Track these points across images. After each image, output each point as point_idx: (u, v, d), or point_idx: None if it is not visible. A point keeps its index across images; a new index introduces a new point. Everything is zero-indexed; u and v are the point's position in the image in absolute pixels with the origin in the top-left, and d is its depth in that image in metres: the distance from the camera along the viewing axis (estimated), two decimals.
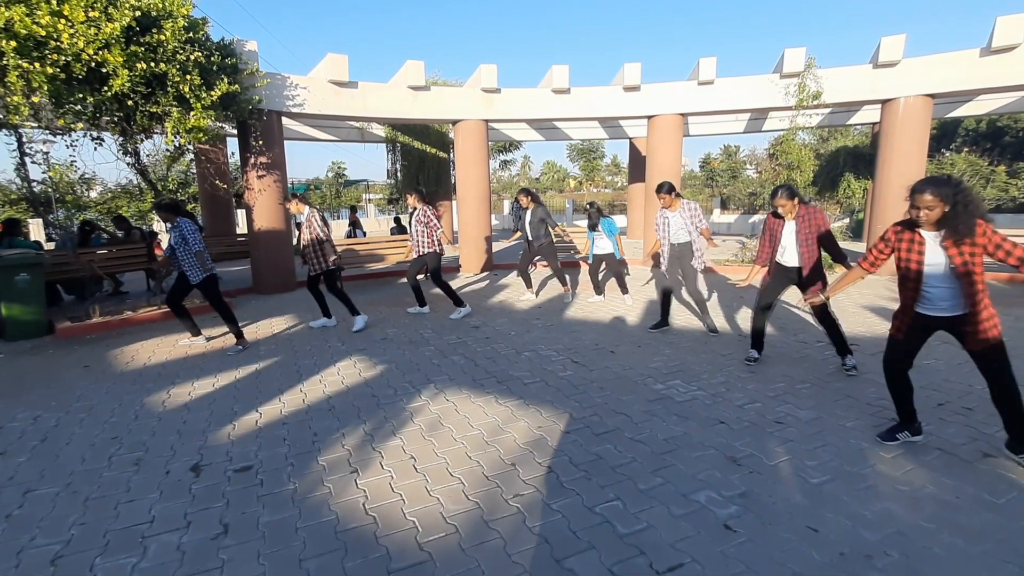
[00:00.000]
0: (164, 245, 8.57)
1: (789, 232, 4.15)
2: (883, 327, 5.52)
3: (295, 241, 5.92)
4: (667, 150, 10.08)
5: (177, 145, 7.44)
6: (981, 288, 2.64)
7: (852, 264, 3.95)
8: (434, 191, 14.86)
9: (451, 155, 14.56)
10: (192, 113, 6.48)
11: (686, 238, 5.30)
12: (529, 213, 7.10)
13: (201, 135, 6.72)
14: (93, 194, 19.69)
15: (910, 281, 2.81)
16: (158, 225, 16.59)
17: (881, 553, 2.16)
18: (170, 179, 18.04)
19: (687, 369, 4.40)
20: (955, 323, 2.75)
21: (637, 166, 15.14)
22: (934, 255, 2.70)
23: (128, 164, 7.51)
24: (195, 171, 13.80)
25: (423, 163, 14.96)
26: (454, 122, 10.15)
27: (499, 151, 28.14)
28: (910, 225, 2.79)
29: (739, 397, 3.79)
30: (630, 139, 15.82)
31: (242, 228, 15.39)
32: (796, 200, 4.10)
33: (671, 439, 3.18)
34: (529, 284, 7.53)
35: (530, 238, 7.14)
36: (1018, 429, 2.74)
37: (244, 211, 9.22)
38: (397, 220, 15.59)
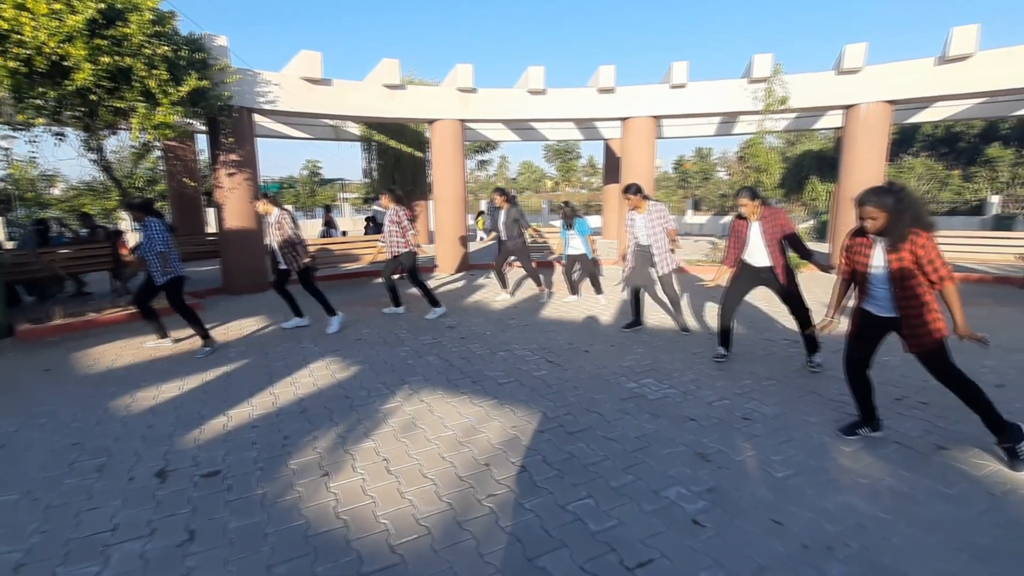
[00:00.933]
0: (130, 244, 8.31)
1: (755, 233, 4.27)
2: (844, 324, 5.71)
3: (267, 241, 5.82)
4: (641, 152, 10.23)
5: (144, 141, 7.24)
6: (921, 293, 2.75)
7: (825, 264, 4.10)
8: (410, 190, 14.75)
9: (427, 154, 14.48)
10: (159, 108, 6.32)
11: (650, 240, 5.39)
12: (503, 213, 7.12)
13: (169, 131, 6.55)
14: (56, 191, 18.96)
15: (859, 282, 2.98)
16: (124, 223, 16.09)
17: (842, 544, 2.23)
18: (136, 176, 17.48)
19: (659, 367, 4.48)
20: (896, 324, 2.87)
21: (612, 167, 15.31)
22: (878, 258, 2.85)
23: (92, 161, 7.25)
24: (163, 168, 13.40)
25: (399, 162, 14.85)
26: (430, 121, 10.11)
27: (476, 151, 28.09)
28: (862, 230, 2.92)
29: (709, 394, 3.87)
30: (605, 140, 15.98)
31: (212, 227, 15.05)
32: (758, 201, 4.22)
33: (643, 437, 3.23)
34: (504, 284, 7.55)
35: (504, 238, 7.16)
36: (990, 423, 2.83)
37: (214, 210, 9.00)
38: (372, 219, 15.44)
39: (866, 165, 8.78)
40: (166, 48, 6.20)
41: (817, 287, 7.90)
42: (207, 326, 5.37)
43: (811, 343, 4.35)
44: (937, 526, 2.35)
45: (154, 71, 6.10)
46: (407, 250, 6.34)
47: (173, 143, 10.07)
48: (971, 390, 2.80)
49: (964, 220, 16.27)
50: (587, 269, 7.10)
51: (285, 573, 2.12)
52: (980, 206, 17.22)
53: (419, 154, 14.87)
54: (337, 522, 2.44)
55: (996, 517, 2.40)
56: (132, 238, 10.31)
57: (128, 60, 5.88)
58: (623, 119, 10.27)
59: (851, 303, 3.18)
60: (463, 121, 10.10)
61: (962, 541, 2.24)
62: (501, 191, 7.28)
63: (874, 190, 2.79)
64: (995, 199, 16.78)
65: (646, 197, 5.44)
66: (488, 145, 25.80)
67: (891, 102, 8.73)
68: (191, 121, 9.39)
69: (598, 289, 7.15)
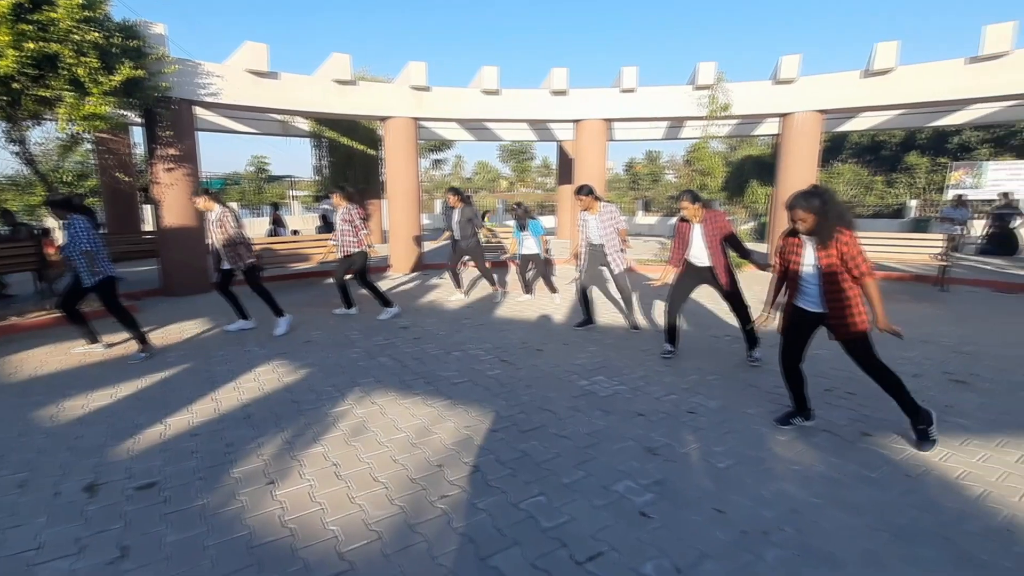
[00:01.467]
0: (58, 243, 7.73)
1: (697, 235, 4.46)
2: (779, 321, 6.03)
3: (208, 240, 5.57)
4: (593, 153, 10.44)
5: (72, 133, 6.76)
6: (846, 288, 2.96)
7: (764, 263, 4.33)
8: (363, 189, 14.44)
9: (380, 152, 14.22)
10: (89, 99, 5.92)
11: (601, 241, 5.51)
12: (457, 212, 7.10)
13: (100, 123, 6.15)
14: None
15: (791, 279, 3.18)
16: (51, 221, 14.94)
17: (777, 529, 2.37)
18: (64, 170, 16.30)
19: (610, 365, 4.59)
20: (824, 318, 3.09)
21: (566, 168, 15.53)
22: (808, 256, 3.06)
23: (13, 153, 6.71)
24: (95, 162, 12.55)
25: (351, 160, 14.50)
26: (383, 119, 9.95)
27: (430, 150, 27.82)
28: (794, 231, 3.13)
29: (657, 390, 4.01)
30: (558, 142, 16.20)
31: (149, 225, 14.22)
32: (699, 204, 4.42)
33: (594, 433, 3.31)
34: (459, 284, 7.53)
35: (457, 237, 7.14)
36: (906, 408, 3.08)
37: (151, 207, 8.51)
38: (324, 218, 15.02)
39: (800, 170, 9.30)
40: (97, 34, 5.83)
41: (756, 285, 8.30)
42: (144, 329, 5.08)
43: (751, 339, 4.58)
44: (861, 508, 2.52)
45: (83, 58, 5.72)
46: (359, 250, 6.22)
47: (105, 135, 9.45)
48: (890, 378, 3.03)
49: (886, 223, 17.48)
50: (540, 269, 7.18)
51: None
52: (900, 210, 18.57)
53: (372, 152, 14.58)
54: (283, 531, 2.37)
55: (913, 498, 2.61)
56: (60, 237, 9.59)
57: (55, 46, 5.49)
58: (576, 121, 10.44)
59: (783, 299, 3.37)
60: (417, 119, 9.99)
61: (883, 522, 2.42)
62: (455, 190, 7.27)
63: (802, 194, 3.00)
64: (913, 203, 18.14)
65: (598, 198, 5.55)
66: (443, 144, 25.61)
67: (822, 111, 9.29)
68: (125, 112, 8.82)
69: (552, 288, 7.25)
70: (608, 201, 5.68)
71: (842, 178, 19.36)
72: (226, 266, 5.60)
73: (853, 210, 18.97)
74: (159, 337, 5.61)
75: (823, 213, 2.92)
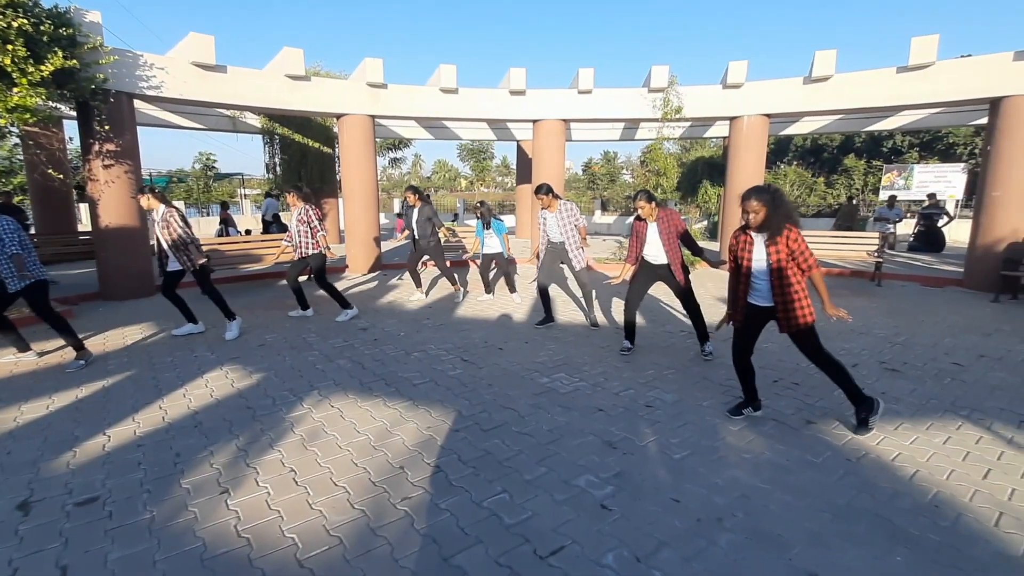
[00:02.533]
0: None
1: (652, 233, 4.59)
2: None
3: (152, 240, 5.29)
4: (551, 153, 10.54)
5: None
6: (794, 282, 3.13)
7: (716, 260, 4.50)
8: (318, 188, 14.06)
9: (336, 150, 13.88)
10: (16, 89, 5.52)
11: (561, 238, 5.59)
12: (416, 211, 7.03)
13: (28, 115, 5.74)
14: None
15: (742, 275, 3.31)
16: None
17: (729, 515, 2.47)
18: None
19: (570, 362, 4.66)
20: (773, 312, 3.24)
21: (524, 168, 15.62)
22: (759, 253, 3.21)
23: None
24: (22, 158, 11.69)
25: (305, 157, 14.10)
26: (338, 116, 9.71)
27: (388, 148, 27.38)
28: (744, 229, 3.26)
29: (616, 385, 4.10)
30: (517, 141, 16.27)
31: (85, 224, 13.36)
32: (654, 204, 4.56)
33: (555, 429, 3.35)
34: (419, 284, 7.46)
35: (416, 237, 7.07)
36: (851, 395, 3.27)
37: (87, 205, 8.00)
38: (276, 218, 14.52)
39: (748, 171, 9.70)
40: (24, 20, 5.43)
41: (709, 281, 8.61)
42: (81, 335, 4.79)
43: (702, 334, 4.75)
44: (806, 492, 2.67)
45: (8, 46, 5.33)
46: (316, 251, 6.06)
47: (34, 129, 8.82)
48: (836, 368, 3.22)
49: (827, 221, 18.45)
50: (503, 268, 7.20)
51: None
52: (839, 209, 19.64)
53: (327, 149, 14.22)
54: (239, 541, 2.29)
55: (853, 480, 2.78)
56: None
57: None
58: (534, 121, 10.51)
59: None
60: (373, 117, 9.81)
61: (826, 503, 2.57)
62: (414, 189, 7.19)
63: (755, 188, 3.18)
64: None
65: (557, 197, 5.62)
66: (401, 143, 25.25)
67: (768, 115, 9.71)
68: (57, 105, 8.29)
69: (512, 288, 7.28)
70: (568, 200, 5.76)
71: (787, 179, 20.31)
72: (171, 268, 5.35)
73: (798, 210, 19.95)
74: (99, 344, 5.30)
75: (774, 207, 3.09)
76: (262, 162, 16.25)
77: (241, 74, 8.46)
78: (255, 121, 13.82)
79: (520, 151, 16.49)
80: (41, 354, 4.87)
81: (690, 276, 4.69)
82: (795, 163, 22.41)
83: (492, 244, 7.13)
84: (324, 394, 3.96)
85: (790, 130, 13.63)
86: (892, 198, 12.90)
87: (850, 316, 3.24)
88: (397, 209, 25.21)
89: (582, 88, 9.96)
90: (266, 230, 13.87)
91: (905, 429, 3.36)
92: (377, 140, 10.50)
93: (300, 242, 6.03)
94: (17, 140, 10.49)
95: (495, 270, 7.50)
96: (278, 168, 14.77)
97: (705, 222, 16.72)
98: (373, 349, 5.07)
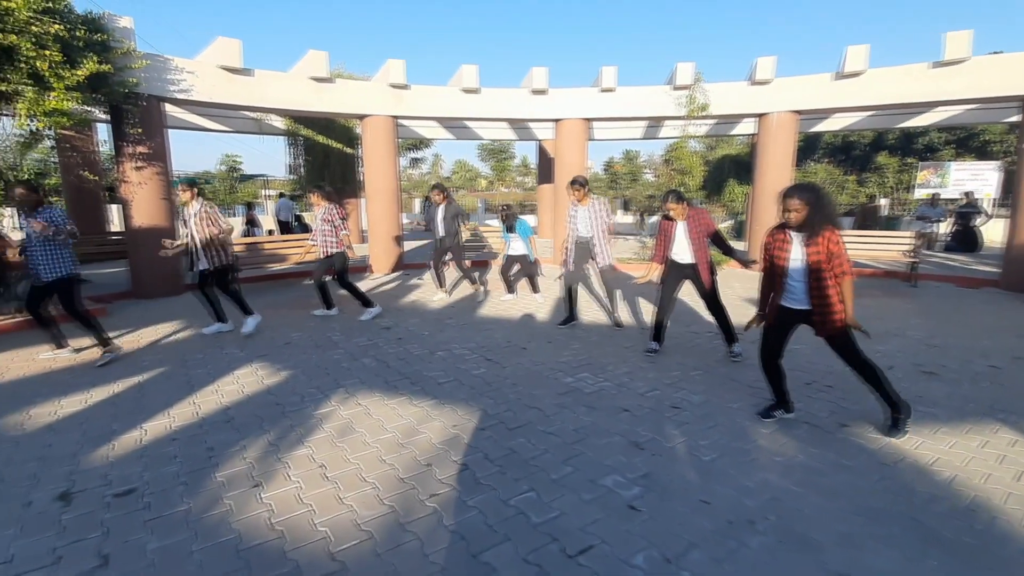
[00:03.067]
0: (15, 243, 7.42)
1: (681, 232, 4.52)
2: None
3: (184, 239, 5.40)
4: (573, 152, 10.48)
5: (33, 130, 6.51)
6: (829, 284, 3.04)
7: (746, 259, 4.41)
8: (340, 188, 14.23)
9: (358, 151, 14.04)
10: (52, 94, 5.70)
11: (590, 234, 5.54)
12: (442, 209, 7.05)
13: (63, 119, 5.93)
14: None
15: (777, 276, 3.21)
16: (6, 220, 14.33)
17: (761, 517, 2.43)
18: (23, 168, 15.67)
19: (594, 362, 4.63)
20: (808, 315, 3.15)
21: (545, 167, 15.58)
22: (796, 252, 3.11)
23: None
24: (56, 160, 12.10)
25: (328, 158, 14.30)
26: (361, 117, 9.82)
27: (409, 149, 27.58)
28: (781, 227, 3.17)
29: (641, 386, 4.06)
30: (538, 141, 16.22)
31: (114, 225, 13.78)
32: (684, 203, 4.49)
33: (580, 429, 3.33)
34: (442, 283, 7.49)
35: (443, 235, 7.09)
36: (886, 398, 3.19)
37: (118, 207, 8.25)
38: (299, 219, 14.76)
39: (777, 169, 9.51)
40: (59, 27, 5.61)
41: (736, 282, 8.48)
42: (115, 333, 4.93)
43: (729, 335, 4.67)
44: (840, 495, 2.60)
45: (44, 51, 5.50)
46: (340, 250, 6.14)
47: (69, 132, 9.12)
48: (871, 370, 3.14)
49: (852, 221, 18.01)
50: (527, 270, 7.20)
51: None
52: (858, 209, 19.12)
53: (349, 150, 14.39)
54: (272, 533, 2.33)
55: (888, 484, 2.70)
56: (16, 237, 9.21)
57: (12, 38, 5.26)
58: (556, 120, 10.48)
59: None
60: (395, 117, 9.89)
61: (860, 506, 2.51)
62: (439, 187, 7.21)
63: (799, 186, 3.08)
64: (884, 202, 18.72)
65: (590, 191, 5.59)
66: (421, 143, 25.41)
67: (797, 112, 9.51)
68: (90, 109, 8.55)
69: (535, 288, 7.26)
70: (597, 196, 5.71)
71: (816, 177, 19.86)
72: (202, 266, 5.46)
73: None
74: (133, 341, 5.45)
75: (816, 207, 2.99)
76: (285, 164, 16.51)
77: (267, 77, 8.62)
78: (279, 123, 14.05)
79: (541, 151, 16.45)
80: (78, 350, 5.02)
81: (716, 277, 4.61)
82: (825, 161, 21.89)
83: (517, 247, 7.12)
84: (350, 391, 4.00)
85: (820, 127, 13.33)
86: (935, 196, 12.51)
87: (869, 332, 3.16)
88: (417, 209, 25.39)
89: (605, 86, 9.89)
90: (282, 231, 14.11)
91: (943, 433, 3.25)
92: (398, 140, 10.58)
93: (324, 241, 6.11)
94: (52, 143, 10.84)
95: (518, 271, 7.50)
96: (301, 169, 15.01)
97: (731, 221, 16.45)
98: (397, 348, 5.11)
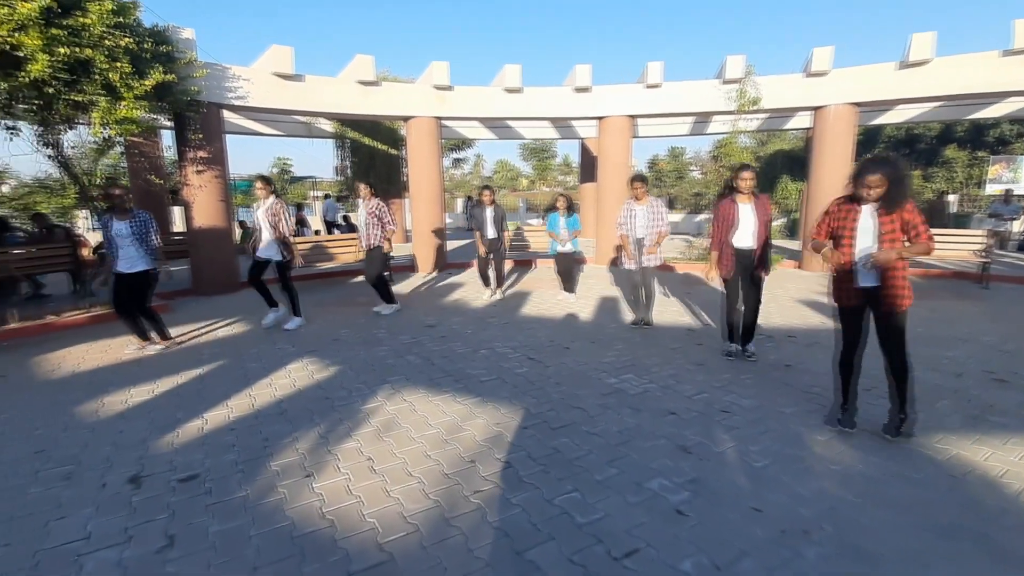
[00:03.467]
0: (91, 243, 7.99)
1: (747, 213, 4.34)
2: (816, 319, 5.90)
3: (248, 238, 5.72)
4: (617, 151, 10.34)
5: (105, 137, 6.97)
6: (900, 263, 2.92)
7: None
8: (385, 189, 14.58)
9: (402, 152, 14.33)
10: (122, 103, 6.09)
11: (645, 232, 5.46)
12: (492, 210, 7.10)
13: (133, 127, 6.32)
14: (5, 189, 18.07)
15: (844, 244, 3.07)
16: (81, 222, 15.43)
17: (817, 528, 2.32)
18: (97, 173, 16.83)
19: (639, 363, 4.55)
20: (876, 291, 3.03)
21: (588, 166, 15.44)
22: (866, 223, 2.99)
23: (48, 157, 6.94)
24: (125, 165, 12.92)
25: (373, 160, 14.67)
26: (405, 119, 10.01)
27: (451, 149, 27.94)
28: (850, 198, 3.06)
29: (688, 388, 3.96)
30: (581, 139, 16.10)
31: (177, 226, 14.58)
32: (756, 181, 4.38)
33: (625, 430, 3.28)
34: (488, 283, 7.53)
35: (491, 235, 7.13)
36: (902, 400, 3.10)
37: (182, 208, 8.73)
38: (345, 219, 15.20)
39: (834, 165, 9.07)
40: (129, 40, 5.98)
41: (790, 283, 8.15)
42: (178, 328, 5.22)
43: (750, 333, 4.54)
44: (903, 507, 2.46)
45: (116, 63, 5.88)
46: (378, 244, 6.33)
47: (137, 139, 9.71)
48: (906, 369, 3.06)
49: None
50: (568, 265, 7.15)
51: (271, 575, 2.09)
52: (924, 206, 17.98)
53: (394, 151, 14.72)
54: (323, 522, 2.41)
55: (957, 497, 2.53)
56: (92, 239, 9.89)
57: (88, 52, 5.65)
58: (599, 118, 10.36)
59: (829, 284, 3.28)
60: (439, 119, 10.04)
61: (927, 521, 2.36)
62: (489, 188, 7.25)
63: (878, 160, 2.94)
64: (952, 198, 17.54)
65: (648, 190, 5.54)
66: (463, 143, 25.69)
67: (857, 104, 9.04)
68: (156, 116, 9.09)
69: (572, 288, 7.23)
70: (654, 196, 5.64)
71: None
72: (260, 256, 5.73)
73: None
74: (193, 335, 5.75)
75: (897, 180, 2.88)
76: (331, 165, 17.04)
77: (317, 82, 8.91)
78: (328, 126, 14.51)
79: (584, 149, 16.32)
80: (173, 340, 5.32)
81: (768, 272, 4.44)
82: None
83: (567, 244, 7.08)
84: (396, 388, 4.09)
85: (881, 119, 12.63)
86: (1008, 192, 11.65)
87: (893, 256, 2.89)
88: (460, 208, 25.66)
89: (650, 82, 9.70)
90: (328, 231, 14.57)
91: (1013, 444, 3.03)
92: (441, 141, 10.73)
93: (367, 233, 6.29)
94: (121, 149, 11.56)
95: (571, 268, 7.39)
96: (348, 171, 15.45)
97: (784, 219, 15.82)
98: (441, 346, 5.19)
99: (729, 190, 4.44)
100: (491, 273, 7.49)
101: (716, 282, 4.70)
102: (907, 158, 20.22)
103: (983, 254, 7.68)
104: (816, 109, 9.31)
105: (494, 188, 7.35)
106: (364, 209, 6.33)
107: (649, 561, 2.13)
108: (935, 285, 7.86)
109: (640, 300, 5.68)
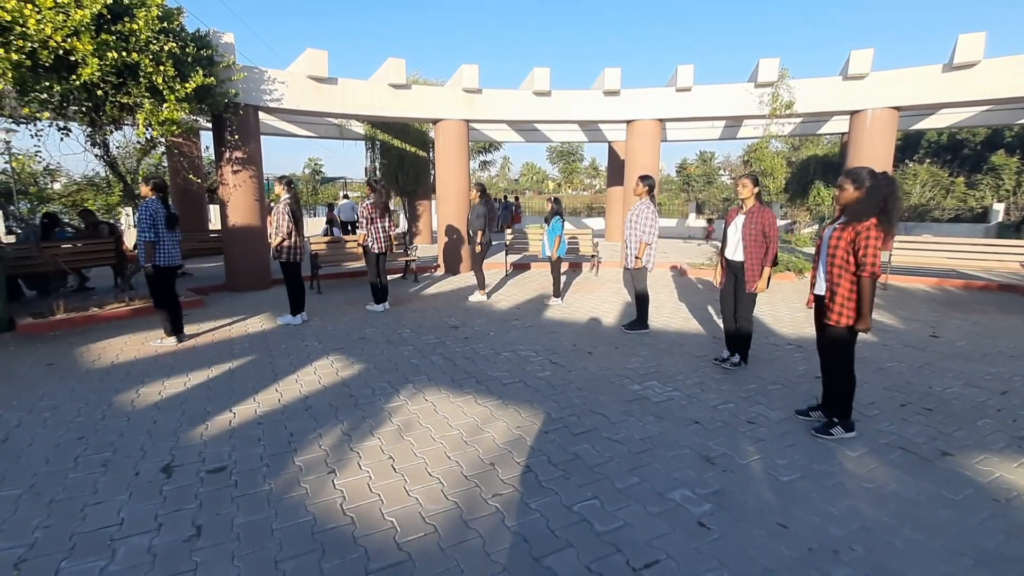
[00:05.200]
0: (131, 240, 8.32)
1: (736, 225, 4.29)
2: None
3: (275, 237, 5.88)
4: (646, 154, 10.23)
5: (149, 137, 7.25)
6: (845, 276, 3.00)
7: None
8: (413, 190, 14.75)
9: (431, 154, 14.47)
10: (165, 105, 6.32)
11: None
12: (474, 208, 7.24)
13: (175, 128, 6.55)
14: (57, 186, 18.97)
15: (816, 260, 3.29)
16: (124, 219, 16.08)
17: (847, 548, 2.24)
18: (141, 172, 17.52)
19: (663, 370, 4.48)
20: (819, 301, 3.23)
21: (616, 169, 15.31)
22: (826, 234, 3.18)
23: (96, 156, 7.26)
24: (166, 164, 13.42)
25: (402, 161, 14.85)
26: (434, 121, 10.12)
27: (479, 151, 28.11)
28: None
29: (713, 398, 3.88)
30: (609, 143, 15.98)
31: (214, 224, 15.04)
32: (757, 190, 4.25)
33: (647, 439, 3.23)
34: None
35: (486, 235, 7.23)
36: (838, 406, 3.20)
37: (218, 206, 9.02)
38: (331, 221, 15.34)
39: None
40: (173, 44, 6.21)
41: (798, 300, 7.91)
42: (210, 323, 5.37)
43: (741, 344, 4.48)
44: (941, 531, 2.35)
45: (161, 67, 6.11)
46: (365, 244, 6.63)
47: (177, 139, 10.07)
48: (847, 379, 3.12)
49: (969, 227, 16.27)
50: (553, 271, 7.10)
51: (293, 569, 2.13)
52: (984, 213, 17.22)
53: (422, 153, 14.88)
54: (344, 519, 2.45)
55: (1000, 523, 2.41)
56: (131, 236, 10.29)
57: (135, 56, 5.89)
58: (628, 122, 10.27)
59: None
60: (468, 121, 10.10)
61: (966, 546, 2.25)
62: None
63: (853, 169, 3.10)
64: (999, 207, 16.78)
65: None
66: (491, 146, 25.81)
67: (897, 108, 8.73)
68: (197, 118, 9.40)
69: (556, 292, 7.18)
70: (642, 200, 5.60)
71: (918, 179, 18.15)
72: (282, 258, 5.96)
73: (931, 213, 17.75)
74: (225, 331, 5.92)
75: (868, 194, 2.95)
76: (362, 166, 17.34)
77: (350, 85, 9.08)
78: (359, 128, 14.78)
79: (612, 152, 16.20)
80: (187, 336, 5.50)
81: (767, 284, 4.28)
82: (928, 161, 19.94)
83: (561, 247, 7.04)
84: (418, 388, 4.12)
85: (922, 124, 12.20)
86: None
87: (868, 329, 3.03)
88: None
89: (680, 86, 9.57)
90: (344, 231, 14.82)
91: None
92: (470, 144, 10.80)
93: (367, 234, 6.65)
94: (163, 149, 12.02)
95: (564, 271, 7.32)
96: (378, 172, 15.69)
97: (816, 226, 15.36)
98: (464, 347, 5.21)
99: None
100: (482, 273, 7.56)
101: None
102: (949, 164, 19.42)
103: None
104: (853, 113, 9.03)
105: (483, 185, 7.38)
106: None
107: (670, 573, 2.09)
108: (978, 298, 7.51)
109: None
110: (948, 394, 3.90)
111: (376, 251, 6.60)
